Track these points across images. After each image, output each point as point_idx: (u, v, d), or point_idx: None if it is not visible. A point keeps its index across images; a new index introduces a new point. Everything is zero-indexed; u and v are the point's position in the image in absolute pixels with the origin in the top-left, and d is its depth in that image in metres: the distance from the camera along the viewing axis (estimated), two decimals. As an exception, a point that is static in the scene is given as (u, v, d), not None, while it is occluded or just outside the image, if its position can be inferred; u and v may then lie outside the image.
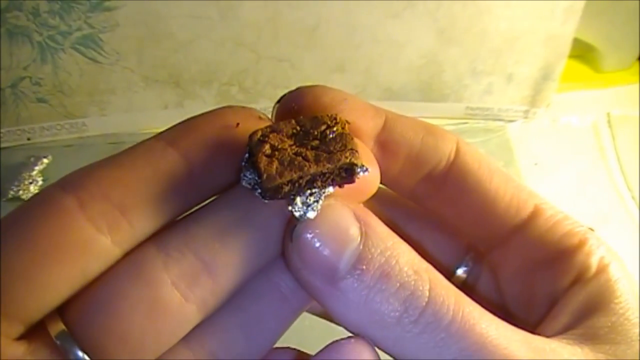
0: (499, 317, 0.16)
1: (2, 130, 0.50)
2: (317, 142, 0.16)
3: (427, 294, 0.16)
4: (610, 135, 0.56)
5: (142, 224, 0.16)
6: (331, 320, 0.19)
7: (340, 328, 0.17)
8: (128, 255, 0.16)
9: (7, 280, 0.15)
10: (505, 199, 0.20)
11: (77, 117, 0.50)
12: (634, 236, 0.48)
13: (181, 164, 0.16)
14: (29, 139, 0.51)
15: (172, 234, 0.16)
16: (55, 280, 0.15)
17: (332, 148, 0.16)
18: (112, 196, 0.15)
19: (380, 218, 0.17)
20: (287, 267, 0.17)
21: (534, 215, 0.20)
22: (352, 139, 0.16)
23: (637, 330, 0.17)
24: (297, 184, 0.15)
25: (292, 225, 0.16)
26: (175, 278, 0.15)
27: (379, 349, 0.17)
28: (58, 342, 0.15)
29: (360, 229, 0.16)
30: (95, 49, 0.47)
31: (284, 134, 0.16)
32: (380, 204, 0.18)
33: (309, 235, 0.16)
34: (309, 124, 0.16)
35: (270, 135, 0.16)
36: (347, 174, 0.16)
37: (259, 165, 0.15)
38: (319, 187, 0.16)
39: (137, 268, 0.15)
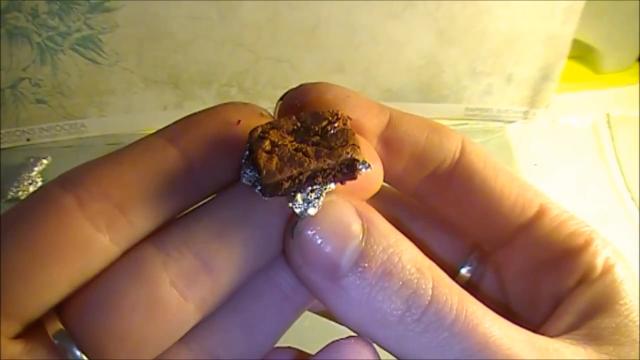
0: (503, 316, 0.16)
1: (1, 131, 0.50)
2: (318, 138, 0.16)
3: (430, 292, 0.16)
4: (609, 135, 0.56)
5: (141, 222, 0.16)
6: (333, 319, 0.19)
7: (342, 327, 0.17)
8: (127, 254, 0.16)
9: (4, 279, 0.14)
10: (510, 198, 0.19)
11: (77, 118, 0.50)
12: (633, 236, 0.48)
13: (181, 162, 0.16)
14: (28, 140, 0.51)
15: (171, 232, 0.16)
16: (54, 279, 0.15)
17: (333, 144, 0.16)
18: (111, 195, 0.15)
19: (383, 216, 0.17)
20: (288, 265, 0.17)
21: (540, 214, 0.19)
22: (353, 134, 0.16)
23: None
24: (297, 180, 0.15)
25: (293, 222, 0.16)
26: (174, 277, 0.15)
27: (381, 347, 0.16)
28: (56, 342, 0.15)
29: (363, 225, 0.16)
30: (95, 49, 0.46)
31: (285, 130, 0.16)
32: (383, 203, 0.17)
33: (310, 232, 0.16)
34: (309, 120, 0.16)
35: (271, 132, 0.16)
36: (348, 169, 0.16)
37: (259, 162, 0.15)
38: (320, 183, 0.16)
39: (136, 267, 0.15)
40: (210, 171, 0.16)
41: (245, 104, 0.18)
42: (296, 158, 0.15)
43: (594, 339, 0.17)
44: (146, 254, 0.15)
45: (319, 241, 0.16)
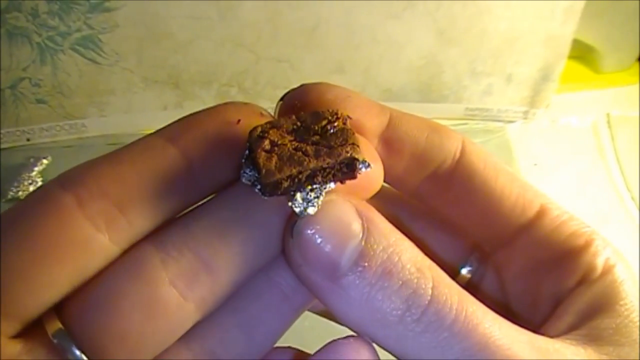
0: (503, 316, 0.16)
1: (1, 131, 0.50)
2: (317, 137, 0.16)
3: (430, 292, 0.16)
4: (609, 135, 0.56)
5: (141, 222, 0.16)
6: (333, 319, 0.19)
7: (341, 327, 0.17)
8: (126, 253, 0.16)
9: (4, 278, 0.14)
10: (510, 199, 0.19)
11: (77, 118, 0.50)
12: (633, 236, 0.48)
13: (181, 161, 0.16)
14: (28, 140, 0.51)
15: (170, 232, 0.16)
16: (53, 278, 0.15)
17: (332, 143, 0.16)
18: (110, 194, 0.15)
19: (383, 216, 0.17)
20: (287, 265, 0.17)
21: (540, 215, 0.19)
22: (353, 134, 0.16)
23: None
24: (297, 180, 0.15)
25: (293, 221, 0.16)
26: (174, 277, 0.15)
27: (380, 347, 0.16)
28: (55, 341, 0.15)
29: (363, 224, 0.16)
30: (95, 49, 0.46)
31: (284, 130, 0.16)
32: (383, 202, 0.17)
33: (310, 231, 0.16)
34: (309, 119, 0.16)
35: (270, 131, 0.16)
36: (348, 169, 0.16)
37: (258, 161, 0.15)
38: (319, 182, 0.16)
39: (135, 267, 0.15)
40: (210, 171, 0.16)
41: (245, 103, 0.18)
42: (296, 157, 0.15)
43: (594, 340, 0.17)
44: (146, 254, 0.15)
45: (318, 240, 0.16)
